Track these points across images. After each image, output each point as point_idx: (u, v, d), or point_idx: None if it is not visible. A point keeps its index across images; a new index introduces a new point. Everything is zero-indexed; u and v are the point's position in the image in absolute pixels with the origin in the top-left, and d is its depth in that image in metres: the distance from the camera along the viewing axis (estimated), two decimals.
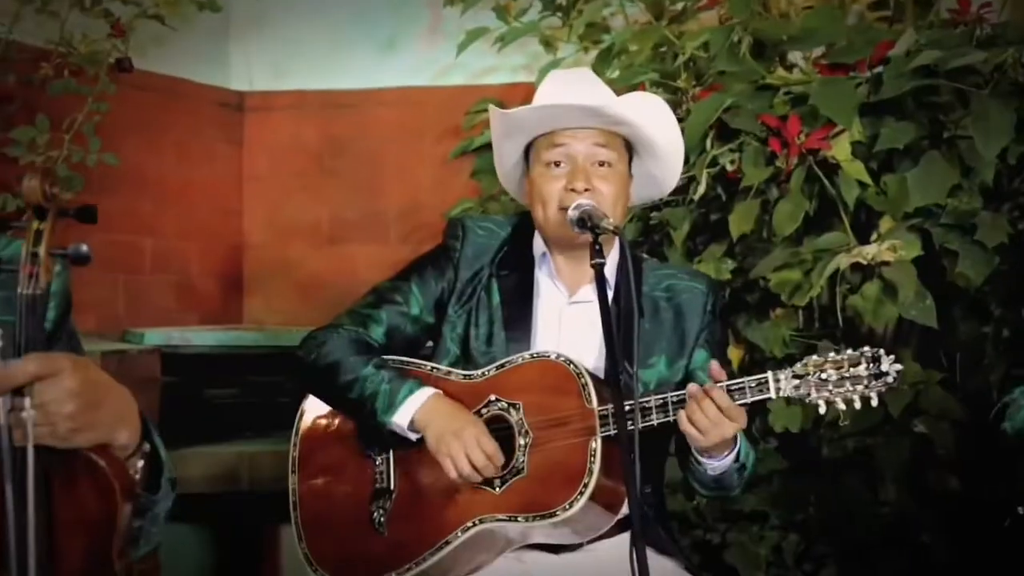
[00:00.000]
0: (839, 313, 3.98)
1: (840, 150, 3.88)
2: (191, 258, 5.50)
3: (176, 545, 4.60)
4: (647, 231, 4.37)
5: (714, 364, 2.82)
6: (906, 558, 4.01)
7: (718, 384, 2.77)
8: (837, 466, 4.14)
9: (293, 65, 5.71)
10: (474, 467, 2.83)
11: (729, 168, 4.07)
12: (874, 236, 3.93)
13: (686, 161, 4.08)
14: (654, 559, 2.87)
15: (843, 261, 3.80)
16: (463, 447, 2.83)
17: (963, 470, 3.97)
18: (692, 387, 2.77)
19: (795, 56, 4.27)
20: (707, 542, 4.25)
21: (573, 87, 3.05)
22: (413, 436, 2.93)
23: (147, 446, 1.99)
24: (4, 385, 1.76)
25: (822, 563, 4.14)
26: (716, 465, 2.90)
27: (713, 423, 2.74)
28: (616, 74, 4.45)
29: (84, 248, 1.89)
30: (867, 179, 3.90)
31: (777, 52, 4.22)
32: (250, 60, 5.71)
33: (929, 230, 3.90)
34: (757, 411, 4.24)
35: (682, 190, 4.22)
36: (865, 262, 3.79)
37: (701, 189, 4.10)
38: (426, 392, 2.93)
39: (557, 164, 2.97)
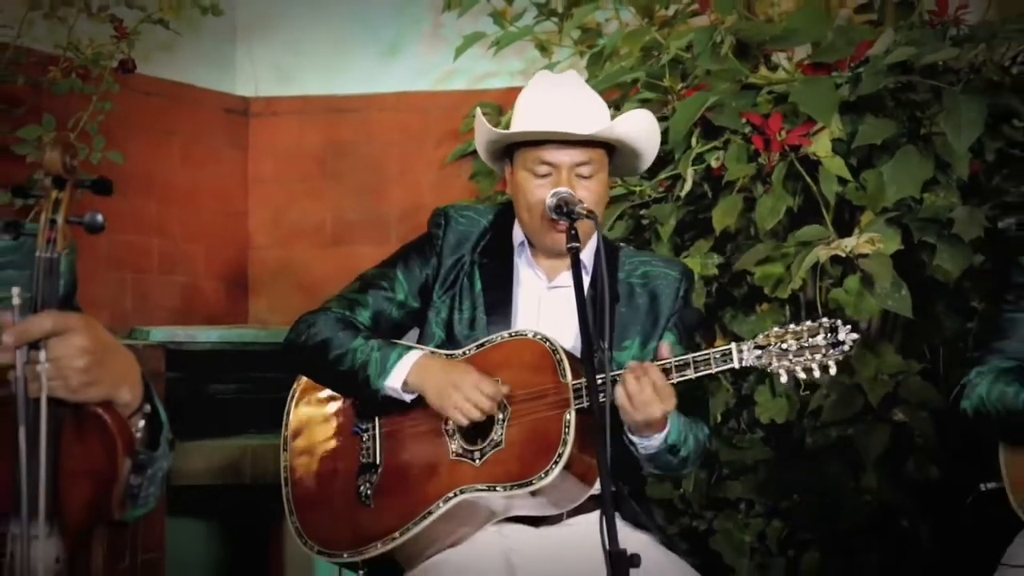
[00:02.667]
0: (820, 307, 4.07)
1: (821, 146, 3.99)
2: (197, 259, 5.59)
3: (181, 539, 4.74)
4: (637, 229, 4.48)
5: (663, 344, 2.99)
6: (886, 543, 4.12)
7: (673, 360, 2.91)
8: (820, 455, 4.25)
9: (297, 71, 5.79)
10: (482, 411, 2.97)
11: (714, 165, 4.20)
12: (856, 230, 4.04)
13: (672, 159, 4.24)
14: (630, 533, 3.04)
15: (822, 253, 3.91)
16: (465, 397, 2.96)
17: (942, 457, 4.08)
18: (632, 362, 2.91)
19: (779, 57, 4.39)
20: (693, 529, 4.36)
21: (560, 99, 3.16)
22: (408, 397, 3.06)
23: (148, 407, 2.11)
24: (22, 338, 1.90)
25: (804, 548, 4.25)
26: (646, 444, 3.00)
27: (644, 400, 2.86)
28: (606, 75, 4.55)
29: (100, 217, 2.00)
30: (847, 175, 4.02)
31: (760, 52, 4.35)
32: (255, 66, 5.79)
33: (908, 224, 4.01)
34: (744, 404, 4.39)
35: (669, 187, 4.37)
36: (844, 255, 3.91)
37: (687, 186, 4.22)
38: (415, 353, 3.07)
39: (543, 174, 3.10)
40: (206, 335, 4.95)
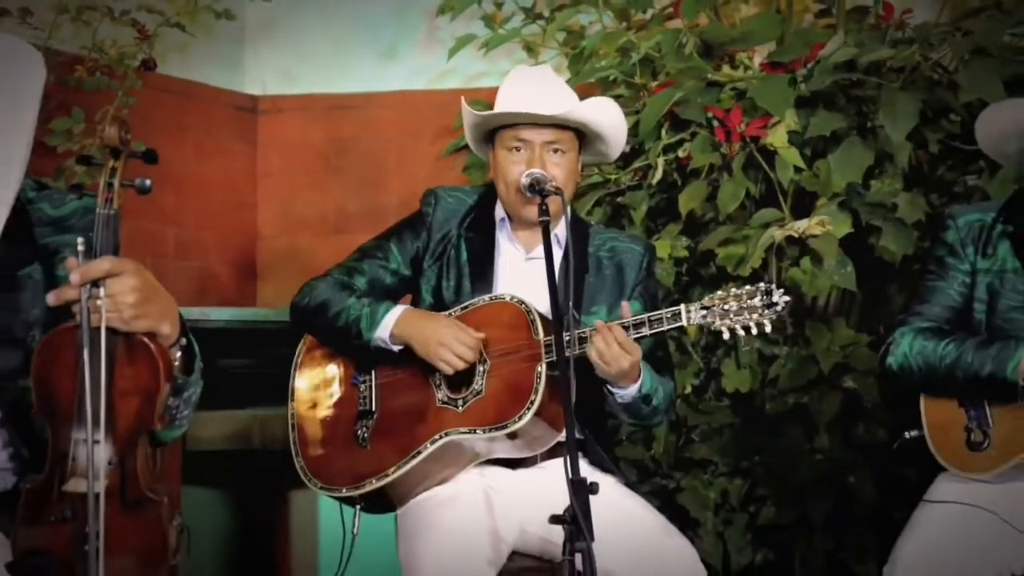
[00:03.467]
0: (778, 284, 4.35)
1: (777, 138, 4.34)
2: (210, 247, 5.77)
3: (195, 498, 4.94)
4: (614, 214, 4.80)
5: (624, 304, 3.33)
6: (834, 496, 4.44)
7: (627, 320, 3.25)
8: (778, 420, 4.56)
9: (302, 71, 5.95)
10: (464, 360, 3.32)
11: (681, 155, 4.55)
12: (813, 214, 4.35)
13: (644, 150, 4.58)
14: (595, 474, 3.40)
15: (777, 234, 4.24)
16: (449, 349, 3.32)
17: (888, 419, 4.37)
18: (598, 323, 3.25)
19: (743, 58, 4.70)
20: (663, 487, 4.67)
21: (533, 87, 3.54)
22: (395, 348, 3.41)
23: (184, 340, 2.52)
24: (86, 276, 2.29)
25: (763, 504, 4.58)
26: (623, 394, 3.36)
27: (613, 355, 3.21)
28: (584, 72, 4.87)
29: (148, 182, 2.41)
30: (801, 163, 4.36)
31: (722, 52, 4.70)
32: (263, 66, 5.95)
33: (856, 208, 4.34)
34: (712, 375, 4.72)
35: (642, 176, 4.70)
36: (797, 235, 4.23)
37: (658, 174, 4.57)
38: (400, 308, 3.44)
39: (518, 150, 3.49)
40: (218, 314, 5.11)
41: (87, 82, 4.66)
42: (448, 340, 3.33)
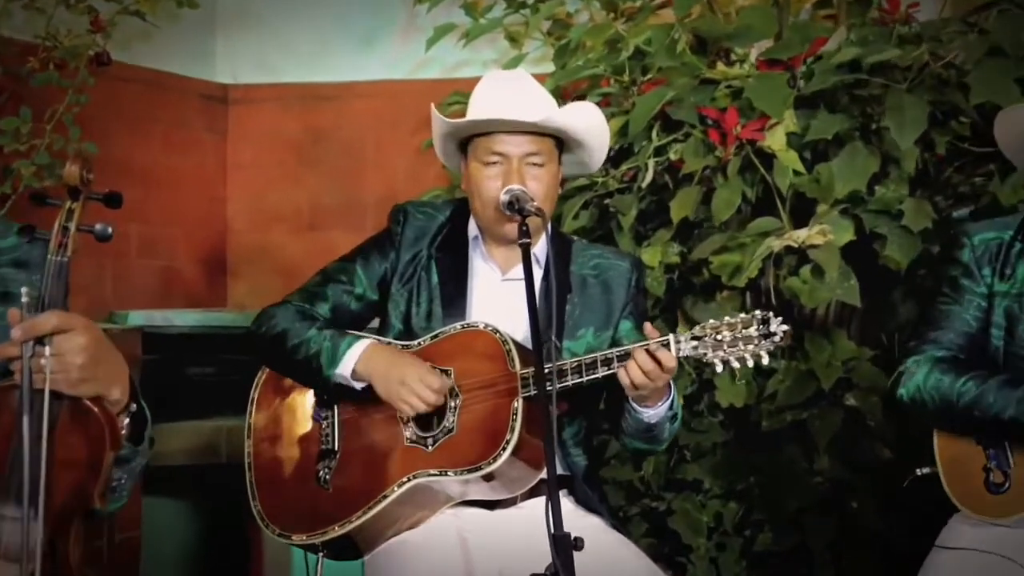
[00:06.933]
0: (774, 295, 4.19)
1: (775, 140, 4.09)
2: (176, 244, 5.64)
3: (158, 517, 4.81)
4: (601, 218, 4.56)
5: (647, 325, 3.08)
6: (836, 522, 4.22)
7: (612, 352, 3.04)
8: (775, 438, 4.34)
9: (276, 59, 5.83)
10: (427, 404, 3.09)
11: (673, 158, 4.29)
12: (812, 221, 4.11)
13: (634, 152, 4.34)
14: (581, 516, 3.20)
15: (775, 244, 4.00)
16: (412, 391, 3.08)
17: (892, 440, 4.17)
18: (637, 351, 3.00)
19: (740, 54, 4.46)
20: (653, 509, 4.45)
21: (509, 92, 3.30)
22: (358, 385, 3.18)
23: (134, 406, 2.29)
24: (30, 332, 2.07)
25: (760, 528, 4.35)
26: (652, 413, 3.15)
27: (656, 371, 2.98)
28: (569, 68, 4.66)
29: (109, 229, 2.18)
30: (801, 168, 4.11)
31: (716, 48, 4.44)
32: (234, 54, 5.83)
33: (860, 216, 4.10)
34: (704, 389, 4.49)
35: (631, 178, 4.46)
36: (796, 245, 4.00)
37: (648, 177, 4.32)
38: (363, 343, 3.20)
39: (494, 163, 3.23)
40: (183, 318, 5.01)
41: (37, 78, 4.47)
42: (411, 381, 3.10)
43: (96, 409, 2.18)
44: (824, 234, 3.97)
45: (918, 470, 3.17)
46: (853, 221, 4.12)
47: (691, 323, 4.35)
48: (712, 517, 4.39)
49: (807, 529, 4.26)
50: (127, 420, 2.28)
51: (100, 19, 4.56)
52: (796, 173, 4.14)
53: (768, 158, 4.16)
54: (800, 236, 3.98)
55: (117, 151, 5.05)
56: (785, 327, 2.98)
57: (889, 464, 4.14)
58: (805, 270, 4.14)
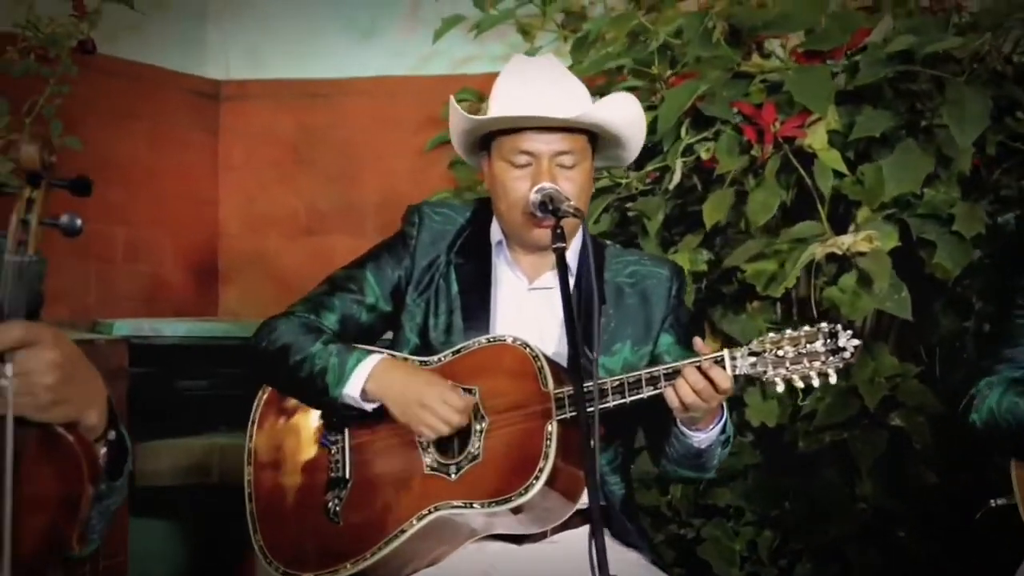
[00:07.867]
0: (815, 305, 3.96)
1: (816, 139, 3.87)
2: (164, 249, 5.47)
3: (145, 541, 4.58)
4: (623, 222, 4.35)
5: (697, 340, 2.83)
6: (882, 553, 4.01)
7: (662, 368, 2.79)
8: (813, 460, 4.14)
9: (270, 53, 5.68)
10: (451, 426, 2.84)
11: (704, 157, 4.06)
12: (851, 226, 3.91)
13: (661, 150, 4.10)
14: (619, 551, 2.94)
15: (818, 251, 3.78)
16: (433, 412, 2.83)
17: (941, 464, 3.97)
18: (687, 369, 2.75)
19: (772, 45, 4.27)
20: (681, 537, 4.26)
21: (538, 83, 3.01)
22: (368, 407, 2.92)
23: (112, 433, 1.99)
24: None
25: (797, 559, 4.15)
26: (703, 437, 2.89)
27: (710, 392, 2.74)
28: (591, 61, 4.44)
29: (78, 221, 1.86)
30: (843, 168, 3.89)
31: (752, 39, 4.22)
32: (227, 48, 5.69)
33: (906, 220, 3.89)
34: (733, 406, 4.25)
35: (657, 179, 4.24)
36: (840, 252, 3.77)
37: (676, 178, 4.10)
38: (374, 358, 2.93)
39: (522, 164, 2.95)
40: (173, 328, 4.81)
41: (16, 68, 4.24)
42: (431, 401, 2.84)
43: (70, 437, 1.86)
44: (871, 240, 3.75)
45: (992, 501, 2.98)
46: (897, 226, 3.90)
47: (720, 335, 4.17)
48: (745, 546, 4.20)
49: (849, 560, 4.05)
50: (104, 450, 1.98)
51: (83, 4, 4.35)
52: (837, 174, 3.91)
53: (807, 158, 3.94)
54: (845, 242, 3.76)
55: (102, 149, 4.85)
56: (856, 342, 2.71)
57: (939, 490, 3.94)
58: (847, 278, 3.91)
